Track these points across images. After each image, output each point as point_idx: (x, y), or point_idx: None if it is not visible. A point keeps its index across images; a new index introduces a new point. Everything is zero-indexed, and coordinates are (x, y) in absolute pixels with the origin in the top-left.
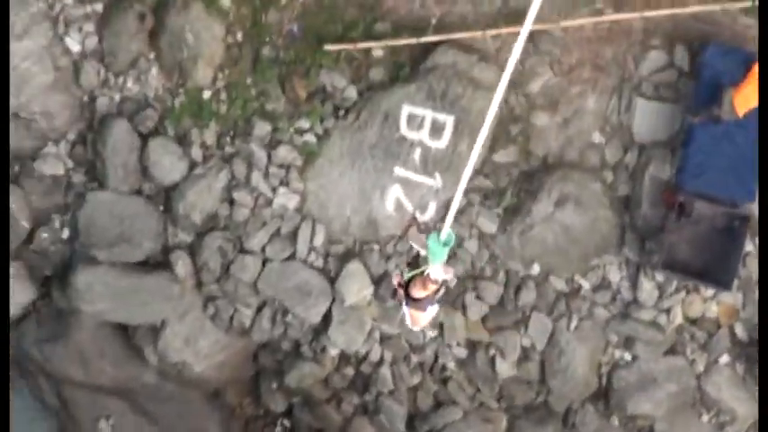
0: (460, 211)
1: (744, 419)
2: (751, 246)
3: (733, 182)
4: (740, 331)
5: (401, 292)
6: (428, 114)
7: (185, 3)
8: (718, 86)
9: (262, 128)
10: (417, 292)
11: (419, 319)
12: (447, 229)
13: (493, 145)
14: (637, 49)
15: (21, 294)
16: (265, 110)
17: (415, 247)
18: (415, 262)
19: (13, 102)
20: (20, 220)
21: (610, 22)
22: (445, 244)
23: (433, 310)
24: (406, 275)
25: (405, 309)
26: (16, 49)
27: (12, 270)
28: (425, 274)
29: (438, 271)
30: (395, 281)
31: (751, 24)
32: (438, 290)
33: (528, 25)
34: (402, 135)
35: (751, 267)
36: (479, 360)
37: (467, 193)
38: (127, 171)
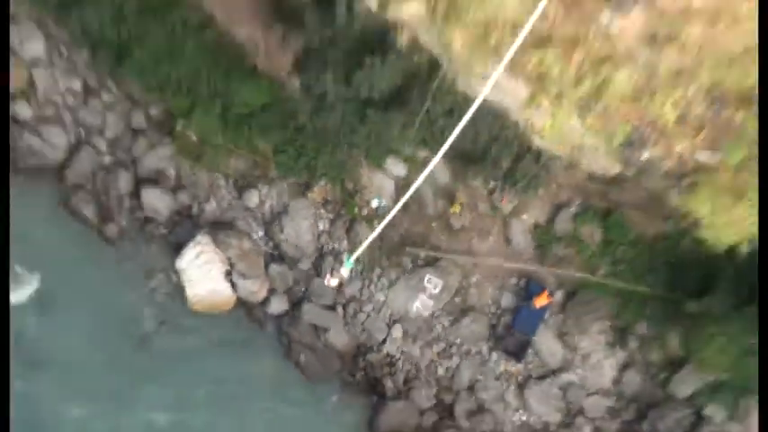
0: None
1: None
2: (530, 350)
3: (528, 327)
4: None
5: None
6: (435, 279)
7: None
8: (531, 297)
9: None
10: (334, 274)
11: (330, 283)
12: (354, 257)
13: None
14: (501, 277)
15: (279, 306)
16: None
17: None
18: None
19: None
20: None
21: (493, 264)
22: (350, 264)
23: (333, 282)
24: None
25: (328, 275)
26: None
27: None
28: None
29: (343, 272)
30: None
31: (547, 277)
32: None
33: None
34: (424, 285)
35: (529, 357)
36: None
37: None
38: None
